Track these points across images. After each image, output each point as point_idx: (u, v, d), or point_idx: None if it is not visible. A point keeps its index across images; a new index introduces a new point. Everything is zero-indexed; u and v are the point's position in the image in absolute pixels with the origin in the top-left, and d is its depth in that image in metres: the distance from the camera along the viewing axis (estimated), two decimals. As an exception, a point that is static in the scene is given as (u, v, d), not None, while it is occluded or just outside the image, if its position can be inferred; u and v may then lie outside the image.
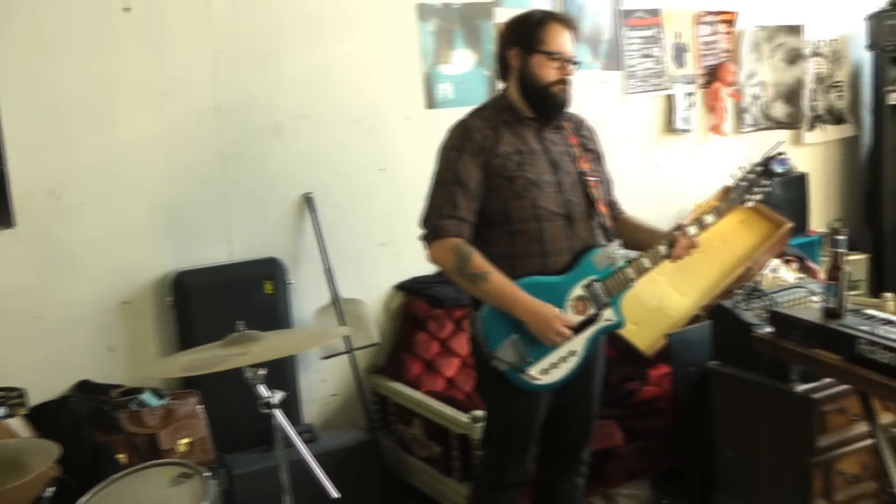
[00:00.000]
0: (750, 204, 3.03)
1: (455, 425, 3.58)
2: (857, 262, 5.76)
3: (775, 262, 4.46)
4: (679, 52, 4.98)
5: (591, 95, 4.67)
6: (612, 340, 4.12)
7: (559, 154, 2.90)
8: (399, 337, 4.24)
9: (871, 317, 2.83)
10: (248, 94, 3.89)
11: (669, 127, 4.99)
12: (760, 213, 4.47)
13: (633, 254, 2.94)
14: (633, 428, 3.81)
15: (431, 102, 4.31)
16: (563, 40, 2.85)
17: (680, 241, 2.90)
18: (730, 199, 2.99)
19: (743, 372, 3.49)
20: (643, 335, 4.14)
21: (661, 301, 4.23)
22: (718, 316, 3.63)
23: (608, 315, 2.90)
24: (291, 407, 3.87)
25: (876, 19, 5.59)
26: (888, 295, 5.26)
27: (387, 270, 4.28)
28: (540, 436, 3.00)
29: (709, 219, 2.95)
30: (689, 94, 5.04)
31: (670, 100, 4.97)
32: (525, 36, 2.86)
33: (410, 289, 4.30)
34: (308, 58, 4.02)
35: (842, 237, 2.81)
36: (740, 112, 5.32)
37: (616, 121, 4.79)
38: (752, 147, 5.29)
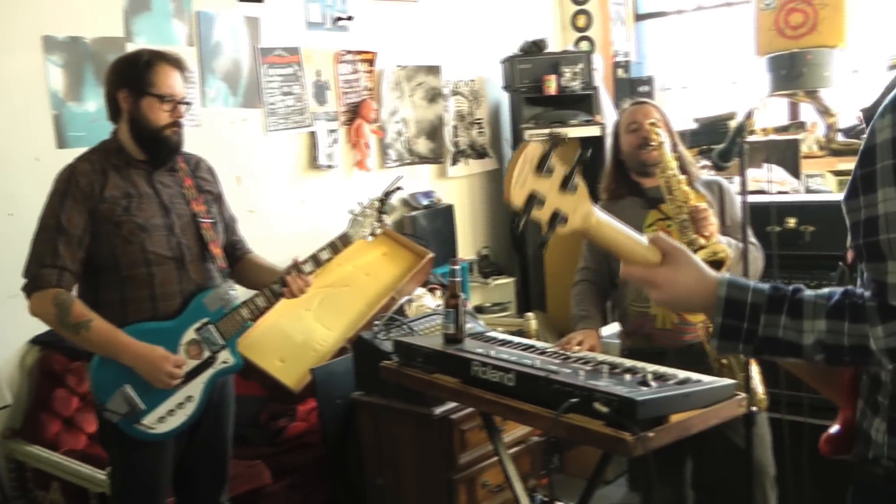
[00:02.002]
0: (370, 238, 3.09)
1: (93, 484, 3.37)
2: (505, 286, 6.12)
3: (420, 290, 4.61)
4: (320, 90, 5.05)
5: (231, 133, 4.63)
6: (261, 378, 4.09)
7: (171, 196, 2.84)
8: (35, 395, 3.93)
9: (491, 339, 2.98)
10: None
11: (313, 163, 5.03)
12: (403, 245, 4.62)
13: (250, 294, 2.92)
14: (282, 465, 3.78)
15: (62, 142, 4.07)
16: (173, 82, 2.80)
17: (294, 280, 2.91)
18: (346, 234, 3.04)
19: (385, 400, 3.57)
20: (290, 371, 4.12)
21: (308, 336, 4.25)
22: (359, 347, 3.70)
23: (224, 357, 2.86)
24: None
25: (510, 63, 6.00)
26: (530, 314, 5.62)
27: (19, 324, 3.96)
28: (174, 486, 2.90)
29: (324, 255, 2.99)
30: (332, 131, 5.11)
31: (313, 136, 5.02)
32: (134, 78, 2.78)
33: (46, 342, 4.00)
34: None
35: (458, 267, 2.92)
36: (384, 148, 5.47)
37: (259, 158, 4.77)
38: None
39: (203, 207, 2.90)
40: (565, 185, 1.58)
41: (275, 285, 2.90)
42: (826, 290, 1.47)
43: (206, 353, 2.81)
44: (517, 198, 1.55)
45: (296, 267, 2.92)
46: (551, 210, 1.57)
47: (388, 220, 3.15)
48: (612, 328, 4.02)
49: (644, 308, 3.28)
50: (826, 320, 1.43)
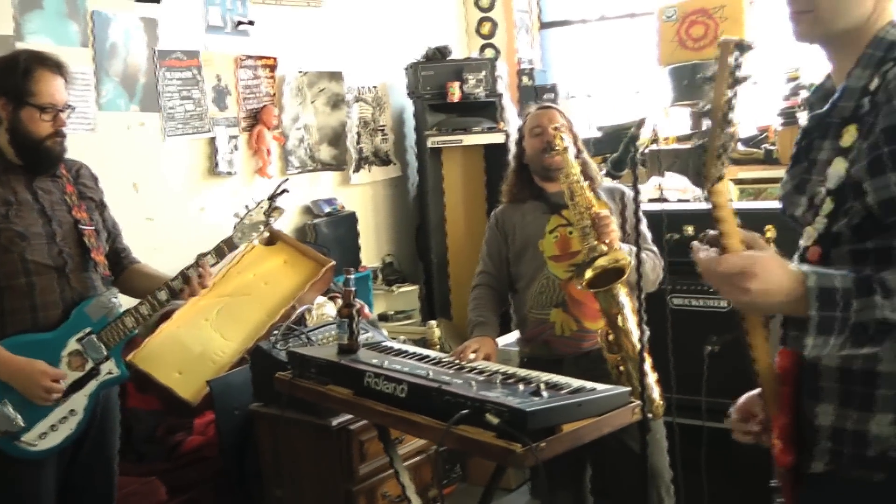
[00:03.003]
0: (256, 242, 3.03)
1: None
2: (409, 293, 6.09)
3: (321, 299, 4.55)
4: (220, 95, 4.95)
5: (128, 138, 4.50)
6: (158, 391, 3.99)
7: (52, 203, 2.74)
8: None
9: (386, 349, 2.96)
10: None
11: (213, 170, 4.93)
12: (303, 253, 4.54)
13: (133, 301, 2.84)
14: (179, 480, 3.69)
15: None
16: (54, 90, 2.69)
17: (204, 273, 2.87)
18: (230, 238, 2.98)
19: (283, 411, 3.50)
20: (188, 383, 4.01)
21: (206, 347, 4.14)
22: (256, 357, 3.63)
23: (108, 368, 2.77)
24: None
25: (413, 70, 5.98)
26: (433, 322, 5.61)
27: None
28: None
29: (210, 260, 2.93)
30: (233, 137, 5.02)
31: (213, 142, 4.92)
32: (12, 86, 2.66)
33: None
34: None
35: (352, 276, 2.88)
36: (286, 155, 5.39)
37: (157, 164, 4.65)
38: (300, 188, 5.41)
39: (85, 214, 2.81)
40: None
41: (160, 292, 2.82)
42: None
43: (90, 365, 2.73)
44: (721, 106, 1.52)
45: (183, 275, 2.85)
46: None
47: (275, 223, 3.08)
48: (513, 336, 4.04)
49: (543, 315, 3.29)
50: None
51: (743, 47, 1.54)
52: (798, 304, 1.46)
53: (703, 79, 1.57)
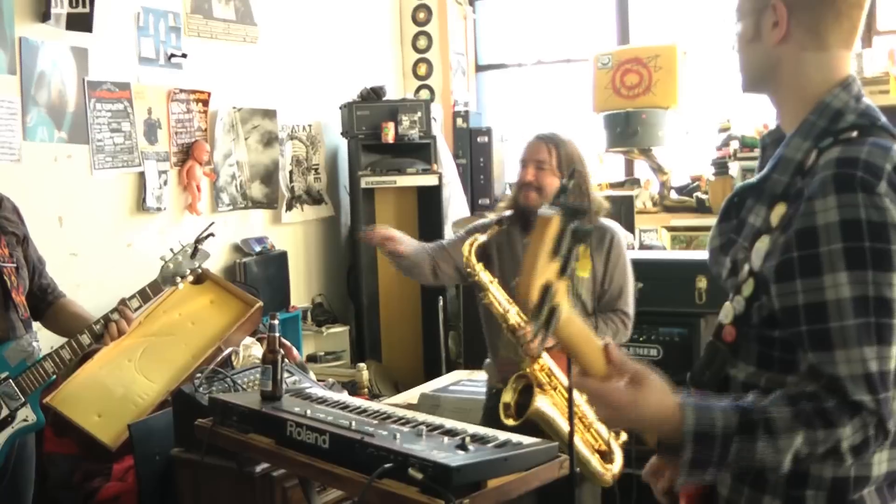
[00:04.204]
0: (181, 286, 2.96)
1: None
2: (340, 334, 6.03)
3: (248, 340, 4.46)
4: (151, 129, 4.86)
5: (55, 170, 4.38)
6: (76, 435, 3.85)
7: (-31, 240, 2.63)
8: None
9: (310, 396, 2.89)
10: None
11: (142, 205, 4.82)
12: (231, 293, 4.45)
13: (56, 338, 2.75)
14: (92, 529, 3.56)
15: None
16: None
17: (123, 315, 2.78)
18: (155, 282, 2.91)
19: (206, 456, 3.40)
20: (107, 427, 3.87)
21: (128, 388, 4.02)
22: (179, 401, 3.52)
23: (24, 415, 2.66)
24: None
25: (348, 109, 5.96)
26: (362, 364, 5.56)
27: None
28: None
29: (134, 303, 2.85)
30: (163, 172, 4.92)
31: (142, 177, 4.81)
32: None
33: None
34: None
35: (276, 321, 2.82)
36: (217, 191, 5.31)
37: (84, 198, 4.53)
38: (230, 226, 5.33)
39: (6, 251, 2.70)
40: (564, 270, 1.41)
41: (83, 336, 2.73)
42: (771, 396, 1.41)
43: (5, 412, 2.61)
44: (534, 292, 1.37)
45: (106, 318, 2.76)
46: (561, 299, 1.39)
47: (200, 266, 3.02)
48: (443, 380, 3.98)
49: (516, 359, 3.13)
50: (803, 433, 1.36)
51: (574, 212, 1.45)
52: (675, 435, 1.41)
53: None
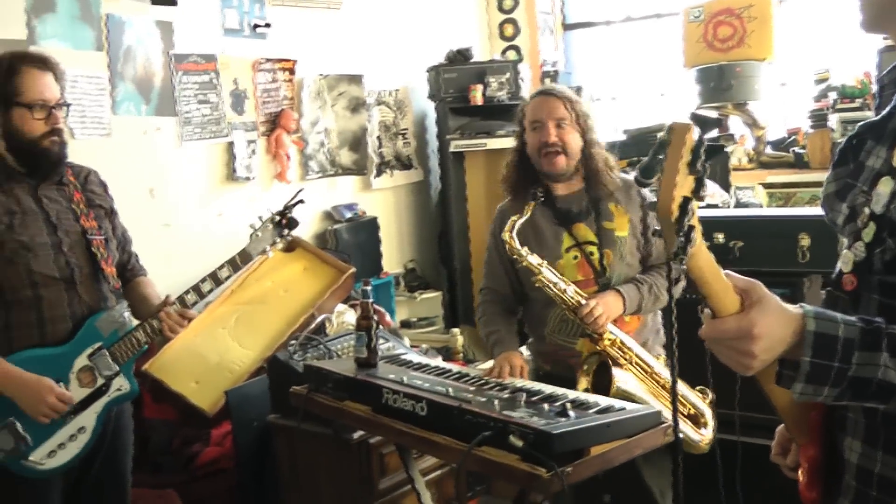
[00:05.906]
0: (270, 254, 2.94)
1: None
2: (432, 300, 6.00)
3: (342, 306, 4.46)
4: (238, 99, 4.87)
5: (144, 143, 4.43)
6: (174, 401, 3.91)
7: (58, 212, 2.65)
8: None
9: (406, 363, 2.85)
10: None
11: (231, 175, 4.84)
12: (323, 260, 4.45)
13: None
14: (195, 493, 3.63)
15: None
16: (43, 87, 2.57)
17: (167, 317, 2.75)
18: (245, 251, 2.89)
19: (302, 423, 3.41)
20: (204, 394, 3.93)
21: (224, 356, 4.06)
22: (274, 368, 3.53)
23: (119, 384, 2.68)
24: None
25: (435, 72, 5.88)
26: (456, 330, 5.52)
27: None
28: None
29: (224, 273, 2.83)
30: (251, 142, 4.93)
31: (231, 147, 4.83)
32: None
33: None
34: None
35: (369, 287, 2.78)
36: (306, 159, 5.31)
37: (173, 169, 4.57)
38: (319, 193, 5.32)
39: (94, 223, 2.71)
40: (698, 189, 1.29)
41: (154, 321, 2.73)
42: None
43: (100, 381, 2.63)
44: (675, 207, 1.27)
45: (166, 304, 2.76)
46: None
47: (290, 234, 2.98)
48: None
49: (567, 343, 3.03)
50: None
51: (706, 123, 1.33)
52: (797, 350, 1.30)
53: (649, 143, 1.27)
